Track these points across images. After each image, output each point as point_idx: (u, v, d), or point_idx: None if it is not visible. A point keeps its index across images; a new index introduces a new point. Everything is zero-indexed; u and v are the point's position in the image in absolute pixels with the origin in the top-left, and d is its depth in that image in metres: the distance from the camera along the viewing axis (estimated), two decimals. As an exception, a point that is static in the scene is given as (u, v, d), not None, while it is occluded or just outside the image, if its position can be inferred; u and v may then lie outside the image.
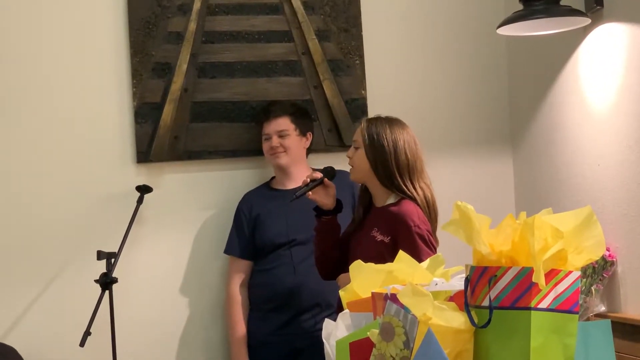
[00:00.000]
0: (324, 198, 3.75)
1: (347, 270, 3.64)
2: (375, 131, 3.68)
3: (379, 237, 3.62)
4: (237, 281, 4.24)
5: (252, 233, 4.21)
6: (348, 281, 3.65)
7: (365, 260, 3.51)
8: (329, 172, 3.79)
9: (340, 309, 3.67)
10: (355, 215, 3.82)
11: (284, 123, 4.21)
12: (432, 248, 3.57)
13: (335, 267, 3.78)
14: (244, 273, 4.25)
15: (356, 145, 3.71)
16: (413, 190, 3.63)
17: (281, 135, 4.20)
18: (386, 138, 3.65)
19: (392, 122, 3.75)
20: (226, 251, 4.28)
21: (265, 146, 4.24)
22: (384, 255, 3.42)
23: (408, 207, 3.60)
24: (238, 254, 4.25)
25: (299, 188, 3.74)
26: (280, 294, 4.12)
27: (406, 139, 3.68)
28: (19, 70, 4.16)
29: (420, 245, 3.52)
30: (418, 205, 3.62)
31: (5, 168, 4.14)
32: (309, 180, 3.74)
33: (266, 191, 4.26)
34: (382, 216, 3.66)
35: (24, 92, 4.16)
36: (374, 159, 3.65)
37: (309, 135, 4.28)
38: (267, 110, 4.26)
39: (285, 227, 4.06)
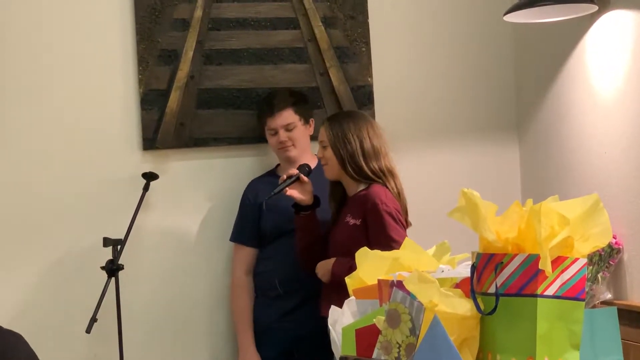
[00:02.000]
0: (301, 194, 3.88)
1: None
2: (339, 128, 3.83)
3: (352, 221, 3.75)
4: (243, 268, 4.24)
5: (257, 220, 4.20)
6: (326, 268, 3.83)
7: (340, 246, 3.70)
8: (305, 169, 3.91)
9: (325, 299, 3.74)
10: (332, 211, 3.95)
11: (290, 116, 4.15)
12: (401, 225, 3.73)
13: (318, 262, 3.86)
14: (249, 260, 4.24)
15: (323, 145, 3.86)
16: (383, 177, 3.78)
17: (288, 129, 4.15)
18: (351, 132, 3.81)
19: (353, 115, 3.94)
20: (232, 239, 4.27)
21: (273, 140, 4.18)
22: (357, 237, 3.62)
23: (377, 189, 3.74)
24: (243, 241, 4.24)
25: (281, 184, 3.88)
26: (285, 281, 4.13)
27: (369, 128, 3.84)
28: (25, 57, 4.15)
29: (388, 221, 3.67)
30: (387, 189, 3.76)
31: (12, 155, 4.14)
32: (285, 177, 3.86)
33: (271, 179, 4.25)
34: (354, 202, 3.80)
35: (31, 79, 4.16)
36: (341, 156, 3.79)
37: (312, 122, 4.26)
38: (270, 105, 4.18)
39: (290, 215, 4.06)
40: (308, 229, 3.91)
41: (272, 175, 4.29)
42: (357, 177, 3.77)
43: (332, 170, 3.84)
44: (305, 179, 3.88)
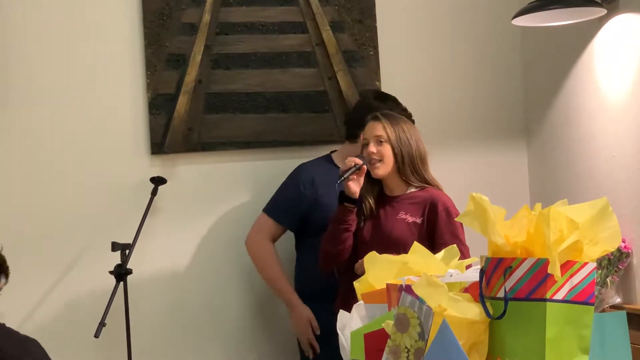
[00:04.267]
0: (356, 186, 3.71)
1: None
2: (399, 127, 3.74)
3: (410, 219, 3.69)
4: (269, 237, 4.15)
5: (309, 210, 4.10)
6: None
7: (397, 241, 3.58)
8: (365, 159, 3.74)
9: (342, 297, 3.69)
10: (367, 208, 3.79)
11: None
12: (463, 229, 3.70)
13: (342, 261, 3.78)
14: (277, 234, 4.17)
15: (381, 140, 3.71)
16: (434, 181, 3.75)
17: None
18: (409, 134, 3.74)
19: (404, 117, 3.86)
20: (269, 213, 4.17)
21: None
22: (418, 235, 3.60)
23: (440, 192, 3.72)
24: (282, 220, 4.15)
25: (345, 171, 3.67)
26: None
27: (417, 132, 3.76)
28: (34, 61, 4.16)
29: (459, 226, 3.65)
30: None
31: (20, 160, 4.15)
32: (352, 164, 3.67)
33: (329, 166, 4.13)
34: (410, 201, 3.73)
35: (39, 84, 4.17)
36: (401, 155, 3.70)
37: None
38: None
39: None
40: (347, 223, 3.74)
41: (329, 161, 4.18)
42: (412, 180, 3.71)
43: (387, 168, 3.71)
44: (364, 170, 3.71)
